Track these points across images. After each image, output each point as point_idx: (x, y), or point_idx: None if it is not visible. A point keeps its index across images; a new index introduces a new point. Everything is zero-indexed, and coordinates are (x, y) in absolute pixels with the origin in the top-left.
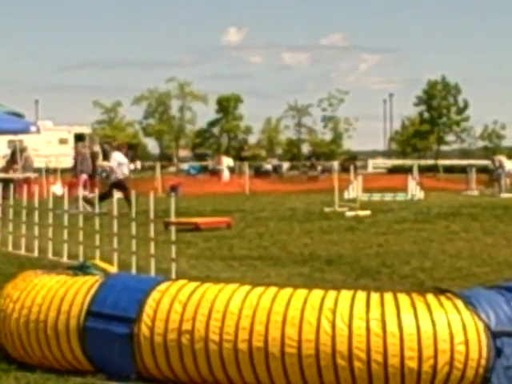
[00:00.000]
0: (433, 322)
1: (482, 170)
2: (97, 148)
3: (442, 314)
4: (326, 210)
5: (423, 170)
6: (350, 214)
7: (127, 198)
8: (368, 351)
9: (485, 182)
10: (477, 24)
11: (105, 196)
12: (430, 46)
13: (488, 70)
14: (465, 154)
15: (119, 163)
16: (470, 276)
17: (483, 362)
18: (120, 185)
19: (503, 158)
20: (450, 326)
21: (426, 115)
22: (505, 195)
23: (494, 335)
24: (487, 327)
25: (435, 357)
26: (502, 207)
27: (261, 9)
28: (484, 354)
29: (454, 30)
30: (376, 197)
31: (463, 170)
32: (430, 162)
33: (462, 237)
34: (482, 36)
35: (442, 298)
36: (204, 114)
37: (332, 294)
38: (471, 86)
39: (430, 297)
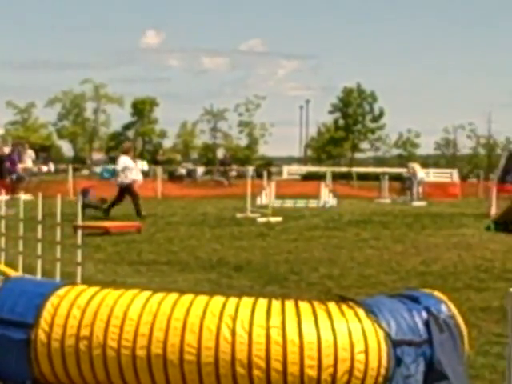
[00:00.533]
0: (333, 330)
1: (395, 177)
2: (8, 149)
3: (342, 322)
4: (238, 215)
5: (337, 177)
6: (261, 220)
7: (135, 203)
8: (267, 359)
9: (397, 190)
10: (395, 33)
11: (114, 203)
12: (347, 53)
13: (404, 79)
14: (379, 161)
15: (125, 167)
16: (377, 284)
17: (383, 370)
18: (127, 189)
19: (417, 166)
20: (350, 335)
21: (342, 122)
22: (416, 203)
23: (394, 344)
24: (388, 336)
25: (335, 365)
26: (413, 215)
27: (180, 12)
28: (384, 362)
29: (372, 38)
30: (289, 203)
31: (377, 177)
32: (344, 169)
33: (371, 244)
34: (398, 45)
35: (344, 307)
36: (119, 117)
37: (233, 300)
38: (387, 95)
39: (332, 305)
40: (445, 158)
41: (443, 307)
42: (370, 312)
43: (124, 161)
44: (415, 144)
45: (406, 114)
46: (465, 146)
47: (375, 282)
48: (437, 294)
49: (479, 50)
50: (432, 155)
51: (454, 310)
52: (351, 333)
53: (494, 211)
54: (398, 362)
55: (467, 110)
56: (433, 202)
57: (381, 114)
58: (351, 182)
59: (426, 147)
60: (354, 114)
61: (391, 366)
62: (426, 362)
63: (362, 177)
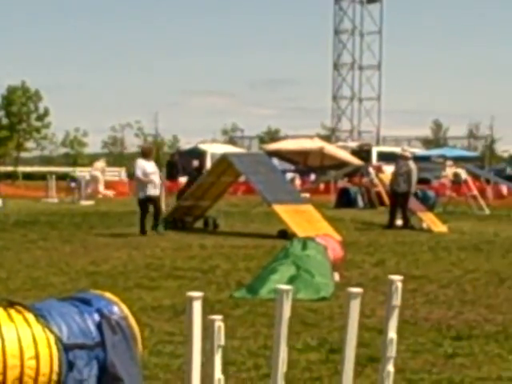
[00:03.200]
0: (1, 336)
1: (62, 177)
2: None
3: (11, 328)
4: None
5: (2, 176)
6: None
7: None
8: None
9: (65, 190)
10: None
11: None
12: (11, 51)
13: (71, 77)
14: (46, 160)
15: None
16: (46, 286)
17: (55, 376)
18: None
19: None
20: (20, 341)
21: (5, 121)
22: (84, 202)
23: (66, 348)
24: (59, 340)
25: (4, 373)
26: (81, 215)
27: None
28: (55, 368)
29: (36, 38)
30: None
31: (43, 177)
32: (10, 168)
33: (39, 245)
34: (58, 45)
35: (12, 312)
36: None
37: None
38: (53, 92)
39: None
40: (112, 156)
41: (115, 308)
42: (40, 316)
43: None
44: (83, 143)
45: (73, 113)
46: (133, 145)
47: (44, 284)
48: (108, 295)
49: (146, 53)
50: (100, 154)
51: (126, 311)
52: (20, 339)
53: (163, 209)
54: (71, 366)
55: (134, 109)
56: (101, 201)
57: (46, 113)
58: (17, 181)
59: (94, 146)
60: (18, 113)
61: (63, 371)
62: (100, 365)
63: (28, 176)
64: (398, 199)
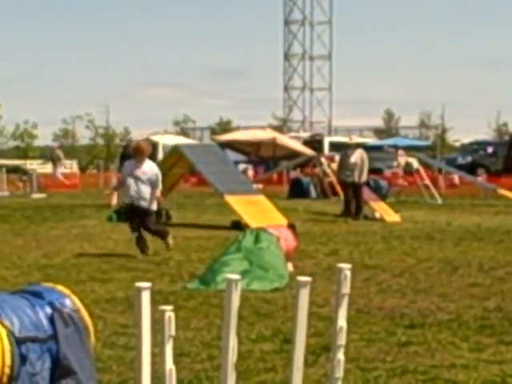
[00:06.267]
0: None
1: (12, 170)
2: None
3: None
4: None
5: None
6: None
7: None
8: None
9: (14, 183)
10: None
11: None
12: None
13: (20, 69)
14: None
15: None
16: None
17: (7, 370)
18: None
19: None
20: None
21: None
22: (36, 195)
23: (18, 342)
24: (11, 334)
25: None
26: (33, 208)
27: None
28: (8, 361)
29: None
30: None
31: None
32: None
33: None
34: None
35: None
36: None
37: None
38: (1, 84)
39: None
40: (64, 148)
41: (67, 301)
42: None
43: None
44: (33, 135)
45: (22, 105)
46: (84, 137)
47: None
48: (60, 287)
49: (96, 44)
50: (51, 146)
51: (79, 304)
52: None
53: (115, 201)
54: (23, 359)
55: (84, 100)
56: (53, 194)
57: None
58: None
59: (45, 138)
60: None
61: (16, 365)
62: (53, 358)
63: None
64: (349, 189)
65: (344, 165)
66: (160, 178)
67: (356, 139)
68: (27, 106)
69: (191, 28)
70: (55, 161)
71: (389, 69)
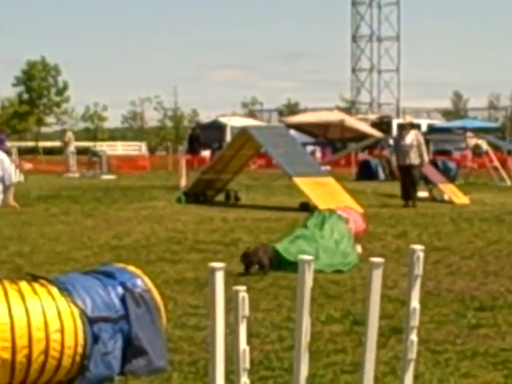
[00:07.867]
0: (26, 310)
1: (82, 151)
2: None
3: (36, 301)
4: None
5: (24, 152)
6: None
7: None
8: None
9: (86, 164)
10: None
11: None
12: (29, 25)
13: (90, 52)
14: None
15: None
16: (69, 260)
17: (80, 349)
18: None
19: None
20: (44, 314)
21: (26, 96)
22: (105, 177)
23: (90, 321)
24: (83, 313)
25: (30, 346)
26: (102, 189)
27: None
28: (80, 340)
29: (54, 11)
30: None
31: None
32: (31, 143)
33: (62, 220)
34: (79, 19)
35: (36, 285)
36: None
37: None
38: (72, 67)
39: (24, 284)
40: (132, 130)
41: (138, 281)
42: (64, 290)
43: None
44: (103, 117)
45: (92, 87)
46: (152, 119)
47: (67, 258)
48: (131, 268)
49: (163, 27)
50: (120, 128)
51: (150, 284)
52: (45, 312)
53: (183, 183)
54: (96, 339)
55: (153, 82)
56: (122, 176)
57: (65, 87)
58: (38, 156)
59: (114, 120)
60: (38, 88)
61: (88, 344)
62: (124, 338)
63: (49, 151)
64: (406, 172)
65: (399, 147)
66: None
67: (409, 119)
68: (97, 89)
69: (260, 10)
70: (67, 143)
71: (457, 50)
